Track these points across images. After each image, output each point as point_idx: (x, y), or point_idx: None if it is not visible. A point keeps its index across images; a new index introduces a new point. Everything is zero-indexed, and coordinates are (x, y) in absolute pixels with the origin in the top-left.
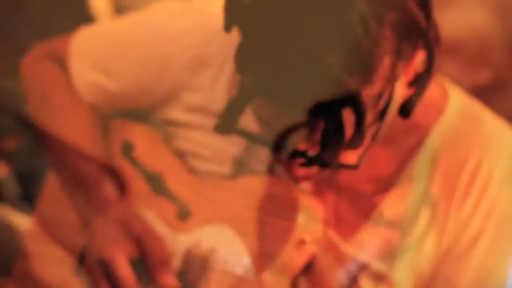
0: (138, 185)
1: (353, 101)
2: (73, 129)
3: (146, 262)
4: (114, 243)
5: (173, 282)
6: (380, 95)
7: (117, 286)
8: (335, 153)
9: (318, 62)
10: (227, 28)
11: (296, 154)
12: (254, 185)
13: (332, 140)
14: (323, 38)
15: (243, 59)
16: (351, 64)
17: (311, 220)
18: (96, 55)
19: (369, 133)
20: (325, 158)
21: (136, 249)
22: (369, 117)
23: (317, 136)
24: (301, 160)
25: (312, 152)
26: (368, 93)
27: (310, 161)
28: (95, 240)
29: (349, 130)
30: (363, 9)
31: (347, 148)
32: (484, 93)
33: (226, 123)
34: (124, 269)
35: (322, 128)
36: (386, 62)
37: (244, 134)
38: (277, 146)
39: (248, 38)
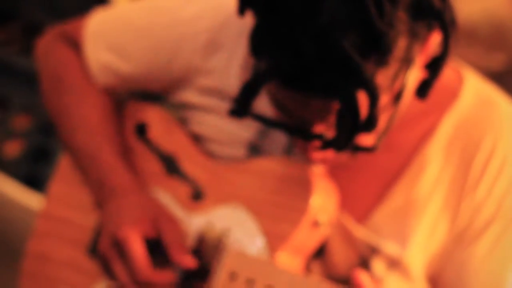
0: (152, 165)
1: (367, 83)
2: (86, 111)
3: (162, 242)
4: (129, 223)
5: (190, 261)
6: (395, 77)
7: (130, 266)
8: (351, 135)
9: (332, 44)
10: (241, 11)
11: (312, 136)
12: (268, 166)
13: (347, 122)
14: (337, 20)
15: (257, 41)
16: (366, 46)
17: (325, 201)
18: (111, 38)
19: (385, 116)
20: (340, 141)
21: (151, 229)
22: (384, 99)
23: (333, 118)
24: (317, 143)
25: (328, 135)
26: (383, 75)
27: (326, 144)
28: (110, 220)
29: (364, 112)
30: None
31: (362, 131)
32: (499, 77)
33: (240, 106)
34: (138, 249)
35: (337, 110)
36: (401, 43)
37: (259, 118)
38: (293, 130)
39: (262, 20)
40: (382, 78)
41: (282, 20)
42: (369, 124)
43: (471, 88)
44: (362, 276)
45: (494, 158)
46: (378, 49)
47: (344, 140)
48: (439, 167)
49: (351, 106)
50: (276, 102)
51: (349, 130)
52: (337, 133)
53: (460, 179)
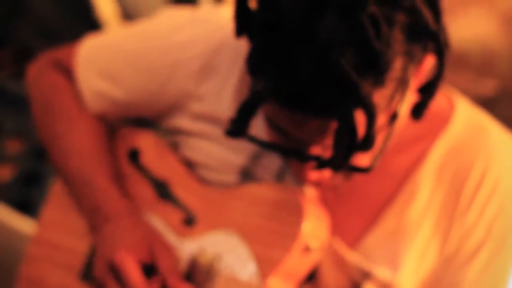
0: (144, 191)
1: (364, 102)
2: (78, 137)
3: (157, 268)
4: (124, 248)
5: None
6: (391, 98)
7: None
8: (348, 154)
9: (331, 63)
10: (239, 33)
11: (308, 158)
12: (260, 192)
13: (344, 141)
14: (335, 40)
15: (255, 61)
16: (363, 66)
17: (316, 227)
18: (103, 64)
19: (381, 136)
20: (337, 160)
21: (146, 254)
22: (381, 119)
23: (330, 139)
24: (314, 163)
25: (324, 156)
26: (380, 95)
27: (323, 164)
28: (105, 245)
29: (361, 131)
30: (373, 10)
31: (360, 150)
32: (489, 103)
33: (237, 127)
34: (134, 273)
35: (335, 129)
36: (397, 64)
37: (255, 140)
38: (289, 151)
39: (260, 40)
40: (379, 98)
41: (280, 40)
42: (367, 143)
43: (462, 114)
44: None
45: (485, 183)
46: (375, 68)
47: (341, 159)
48: (430, 192)
49: (349, 125)
50: (272, 123)
51: (347, 149)
52: (334, 152)
53: (450, 204)
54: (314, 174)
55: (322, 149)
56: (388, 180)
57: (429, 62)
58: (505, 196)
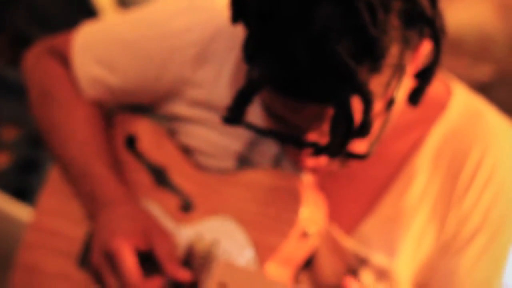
0: (142, 177)
1: (361, 89)
2: (75, 124)
3: (153, 254)
4: (121, 235)
5: (184, 275)
6: (388, 84)
7: (122, 278)
8: (344, 141)
9: (327, 50)
10: (234, 20)
11: (305, 144)
12: (257, 178)
13: (341, 127)
14: (331, 27)
15: (251, 49)
16: (359, 52)
17: (313, 212)
18: (99, 51)
19: (378, 123)
20: (334, 146)
21: (143, 241)
22: (378, 105)
23: (326, 125)
24: (311, 149)
25: (321, 143)
26: (377, 82)
27: (320, 150)
28: (102, 232)
29: (357, 118)
30: None
31: (356, 136)
32: (486, 88)
33: (234, 114)
34: (129, 261)
35: (331, 116)
36: (394, 50)
37: (251, 126)
38: (286, 137)
39: (255, 28)
40: (376, 84)
41: (276, 27)
42: (363, 129)
43: (459, 100)
44: (352, 284)
45: (482, 169)
46: (372, 55)
47: (338, 146)
48: (427, 178)
49: (346, 112)
50: (269, 110)
51: (343, 136)
52: (331, 138)
53: (447, 190)
54: (310, 161)
55: (319, 135)
56: (385, 166)
57: (426, 47)
58: (502, 181)
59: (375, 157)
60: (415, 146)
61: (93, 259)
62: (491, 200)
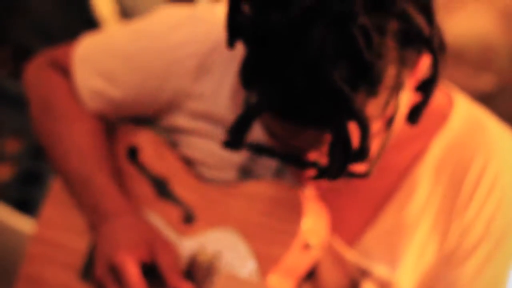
0: (143, 189)
1: (357, 115)
2: (77, 136)
3: (157, 267)
4: (124, 248)
5: (189, 287)
6: (386, 104)
7: None
8: (343, 165)
9: (322, 76)
10: (231, 44)
11: (306, 164)
12: (259, 189)
13: (339, 152)
14: (326, 52)
15: (247, 74)
16: (355, 78)
17: (315, 224)
18: (100, 64)
19: (377, 141)
20: (333, 170)
21: (147, 253)
22: (376, 126)
23: (326, 148)
24: (311, 173)
25: (322, 162)
26: (374, 104)
27: (319, 175)
28: (105, 244)
29: (356, 142)
30: (364, 21)
31: (355, 161)
32: (488, 98)
33: (234, 139)
34: (134, 275)
35: (329, 141)
36: (390, 71)
37: (253, 147)
38: (287, 158)
39: (251, 53)
40: (373, 107)
41: (271, 53)
42: (361, 155)
43: (461, 111)
44: None
45: (484, 179)
46: (368, 80)
47: (336, 170)
48: (428, 189)
49: (343, 137)
50: (269, 131)
51: (342, 160)
52: (330, 163)
53: (449, 201)
54: (311, 181)
55: (320, 155)
56: (387, 178)
57: (426, 61)
58: (504, 191)
59: (377, 169)
60: (417, 157)
61: (97, 272)
62: (493, 211)
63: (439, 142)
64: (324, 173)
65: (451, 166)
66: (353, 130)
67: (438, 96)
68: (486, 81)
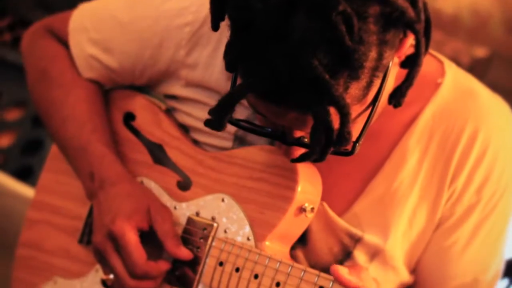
0: (139, 155)
1: (337, 102)
2: (74, 103)
3: (155, 233)
4: (123, 215)
5: (186, 253)
6: (369, 85)
7: (127, 260)
8: (325, 149)
9: (302, 64)
10: (214, 26)
11: (291, 142)
12: (254, 155)
13: (321, 136)
14: (307, 39)
15: (231, 58)
16: (336, 64)
17: (310, 189)
18: (95, 32)
19: (361, 120)
20: (315, 154)
21: (144, 220)
22: (359, 108)
23: (309, 128)
24: (296, 153)
25: (307, 141)
26: (356, 87)
27: (303, 157)
28: (103, 212)
29: (337, 126)
30: (344, 7)
31: (336, 145)
32: (482, 66)
33: (217, 120)
34: (134, 243)
35: (311, 125)
36: (372, 54)
37: (238, 125)
38: (272, 135)
39: (235, 38)
40: (355, 90)
41: (254, 38)
42: (342, 140)
43: (452, 79)
44: (340, 270)
45: (476, 145)
46: (349, 65)
47: (319, 154)
48: (419, 157)
49: (324, 122)
50: (255, 110)
51: (324, 144)
52: (312, 146)
53: (439, 168)
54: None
55: (306, 133)
56: (378, 146)
57: (412, 38)
58: (495, 157)
59: (369, 137)
60: (408, 125)
61: (96, 239)
62: (485, 176)
63: (430, 110)
64: (307, 156)
65: (440, 133)
66: (335, 115)
67: (430, 65)
68: (480, 50)
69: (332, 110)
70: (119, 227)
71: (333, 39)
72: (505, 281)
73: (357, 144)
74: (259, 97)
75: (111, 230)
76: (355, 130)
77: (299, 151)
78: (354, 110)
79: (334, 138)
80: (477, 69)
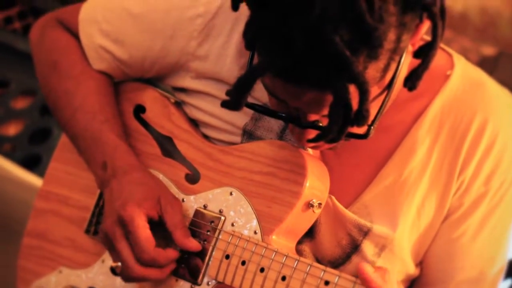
0: (148, 147)
1: (357, 78)
2: (85, 94)
3: (164, 224)
4: (134, 202)
5: (194, 245)
6: (386, 68)
7: (136, 247)
8: (343, 128)
9: (323, 39)
10: (234, 6)
11: (306, 125)
12: (263, 149)
13: (339, 114)
14: (328, 15)
15: (251, 36)
16: (356, 41)
17: (317, 184)
18: (106, 23)
19: (377, 103)
20: (333, 133)
21: (154, 209)
22: (376, 90)
23: (326, 110)
24: (311, 135)
25: (322, 123)
26: (374, 68)
27: (319, 137)
28: (114, 199)
29: (356, 105)
30: None
31: (354, 124)
32: (490, 63)
33: (234, 100)
34: (143, 229)
35: (330, 103)
36: (391, 35)
37: (253, 107)
38: (287, 118)
39: (254, 15)
40: (373, 70)
41: (274, 15)
42: (361, 117)
43: (461, 71)
44: (367, 269)
45: (484, 137)
46: (368, 43)
47: (336, 133)
48: (428, 148)
49: (343, 100)
50: (271, 92)
51: (342, 123)
52: (330, 125)
53: (448, 160)
54: (311, 143)
55: (320, 117)
56: (388, 137)
57: (427, 26)
58: (504, 149)
59: (378, 128)
60: (418, 116)
61: (105, 224)
62: (493, 167)
63: (439, 101)
64: (324, 135)
65: (449, 125)
66: (353, 93)
67: (440, 57)
68: (489, 48)
69: (351, 89)
70: (129, 212)
71: (353, 16)
72: (508, 282)
73: (371, 127)
74: (277, 77)
75: (121, 215)
76: (371, 113)
77: (312, 135)
78: (371, 92)
79: (352, 116)
80: (484, 67)
